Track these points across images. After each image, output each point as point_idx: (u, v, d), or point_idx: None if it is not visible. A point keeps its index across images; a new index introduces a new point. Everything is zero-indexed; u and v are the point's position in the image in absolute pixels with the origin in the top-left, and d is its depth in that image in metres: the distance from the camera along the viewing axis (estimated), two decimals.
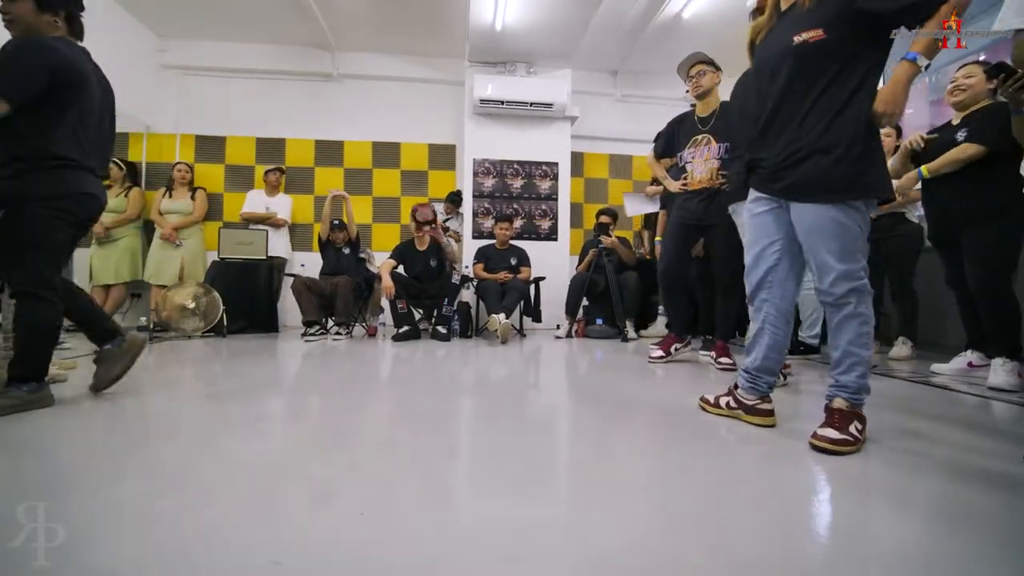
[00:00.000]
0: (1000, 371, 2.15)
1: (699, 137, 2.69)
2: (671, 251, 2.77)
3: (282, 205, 4.85)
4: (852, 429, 1.30)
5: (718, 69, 2.72)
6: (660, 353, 2.78)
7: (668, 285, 2.84)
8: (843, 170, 1.31)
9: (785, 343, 1.55)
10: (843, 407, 1.36)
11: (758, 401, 1.55)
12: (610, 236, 4.24)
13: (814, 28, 1.31)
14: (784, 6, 1.46)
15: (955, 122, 2.45)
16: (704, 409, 1.72)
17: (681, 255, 2.76)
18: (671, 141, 2.84)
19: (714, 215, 2.59)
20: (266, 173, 4.81)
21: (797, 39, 1.34)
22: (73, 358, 2.59)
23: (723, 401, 1.66)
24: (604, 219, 4.34)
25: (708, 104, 2.70)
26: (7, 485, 1.05)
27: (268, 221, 4.70)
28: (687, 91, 2.78)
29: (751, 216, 1.57)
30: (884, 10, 1.26)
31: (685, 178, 2.73)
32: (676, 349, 2.79)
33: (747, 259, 1.59)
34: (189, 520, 0.88)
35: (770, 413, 1.54)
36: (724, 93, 2.70)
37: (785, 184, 1.42)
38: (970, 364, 2.50)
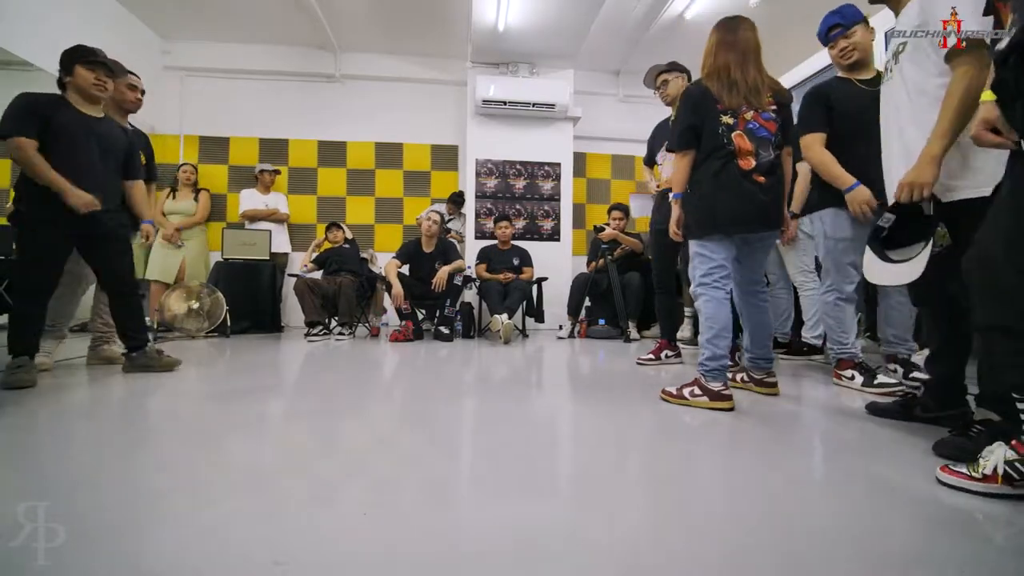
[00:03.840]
0: None
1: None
2: (656, 258, 2.86)
3: (279, 202, 4.87)
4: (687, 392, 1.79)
5: (683, 71, 2.76)
6: (650, 356, 2.79)
7: (660, 291, 2.88)
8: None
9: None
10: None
11: (765, 376, 1.99)
12: (605, 228, 4.27)
13: None
14: None
15: None
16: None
17: (665, 260, 2.82)
18: (651, 149, 2.98)
19: None
20: (261, 172, 4.82)
21: None
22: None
23: (738, 376, 2.09)
24: (616, 213, 4.40)
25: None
26: (7, 485, 1.06)
27: (272, 217, 4.73)
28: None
29: None
30: None
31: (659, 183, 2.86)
32: (667, 356, 2.79)
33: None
34: (191, 520, 0.88)
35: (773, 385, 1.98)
36: None
37: None
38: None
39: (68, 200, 2.04)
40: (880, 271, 1.46)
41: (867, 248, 1.51)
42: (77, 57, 2.17)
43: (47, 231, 2.07)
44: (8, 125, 2.01)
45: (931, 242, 1.33)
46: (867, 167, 1.86)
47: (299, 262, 4.83)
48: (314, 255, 4.57)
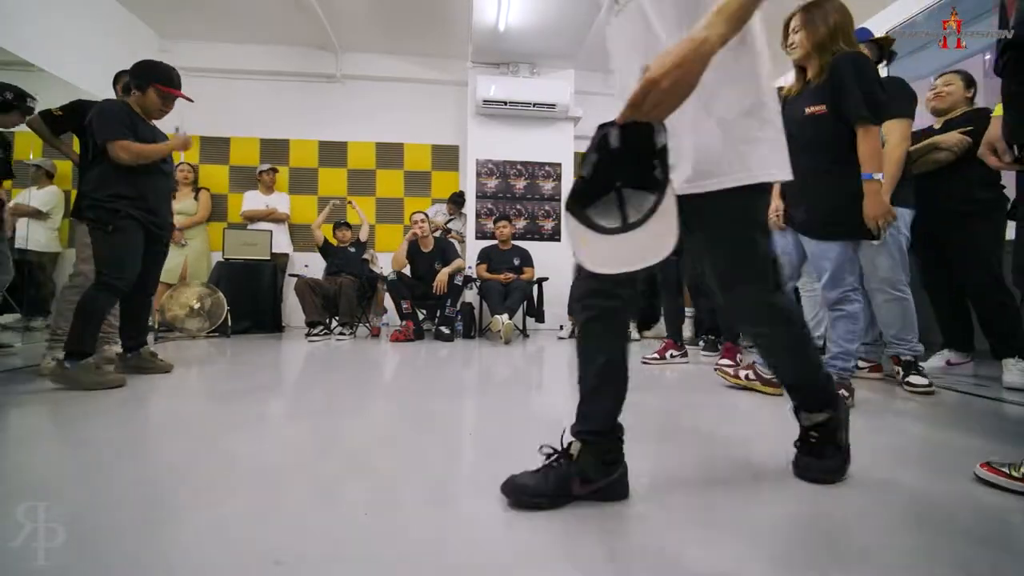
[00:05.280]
0: (1014, 370, 2.20)
1: None
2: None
3: (280, 202, 4.88)
4: None
5: None
6: (655, 356, 2.79)
7: (665, 291, 2.86)
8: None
9: None
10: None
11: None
12: None
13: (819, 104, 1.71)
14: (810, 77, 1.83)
15: (936, 127, 2.43)
16: (724, 378, 2.13)
17: (667, 261, 2.76)
18: None
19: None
20: (260, 172, 4.83)
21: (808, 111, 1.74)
22: None
23: (743, 373, 2.07)
24: None
25: None
26: (7, 485, 1.06)
27: (270, 217, 4.73)
28: None
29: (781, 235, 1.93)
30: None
31: None
32: (672, 355, 2.79)
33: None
34: (192, 520, 0.88)
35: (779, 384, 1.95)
36: None
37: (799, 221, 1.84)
38: (948, 363, 2.53)
39: (175, 147, 2.33)
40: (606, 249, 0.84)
41: (568, 216, 0.87)
42: (156, 79, 2.34)
43: (136, 226, 2.18)
44: (112, 130, 2.14)
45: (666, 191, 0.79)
46: None
47: (300, 263, 4.84)
48: (326, 216, 4.62)
